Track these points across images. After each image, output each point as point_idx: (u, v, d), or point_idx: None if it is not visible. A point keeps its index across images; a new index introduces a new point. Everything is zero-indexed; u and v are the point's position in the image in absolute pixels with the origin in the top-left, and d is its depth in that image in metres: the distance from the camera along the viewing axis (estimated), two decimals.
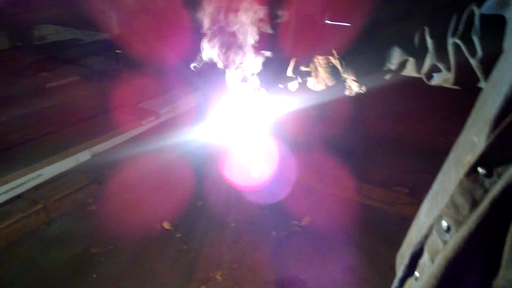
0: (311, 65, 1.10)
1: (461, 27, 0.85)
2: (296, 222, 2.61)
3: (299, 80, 1.12)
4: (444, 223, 0.70)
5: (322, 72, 1.09)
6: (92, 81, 3.50)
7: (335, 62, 1.03)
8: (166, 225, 2.49)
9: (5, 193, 2.44)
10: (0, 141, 2.75)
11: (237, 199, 2.77)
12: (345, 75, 1.05)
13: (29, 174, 2.56)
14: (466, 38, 0.85)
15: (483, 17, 0.84)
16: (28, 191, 2.55)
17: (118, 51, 3.39)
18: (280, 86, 1.15)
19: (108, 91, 3.34)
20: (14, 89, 3.13)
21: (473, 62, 0.85)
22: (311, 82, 1.12)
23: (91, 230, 2.48)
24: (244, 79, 1.06)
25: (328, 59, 1.07)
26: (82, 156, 2.90)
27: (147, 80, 3.60)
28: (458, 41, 0.86)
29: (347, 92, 1.08)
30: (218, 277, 2.15)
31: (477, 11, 0.85)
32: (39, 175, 2.64)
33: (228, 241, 2.43)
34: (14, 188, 2.49)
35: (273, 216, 2.66)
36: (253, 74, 1.07)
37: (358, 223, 2.57)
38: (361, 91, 1.06)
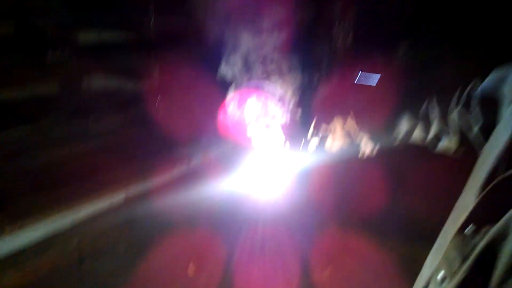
0: (331, 126, 1.22)
1: (463, 99, 0.96)
2: None
3: (319, 138, 1.24)
4: (440, 275, 0.79)
5: (339, 133, 1.21)
6: (133, 127, 3.75)
7: (352, 124, 1.15)
8: (192, 269, 2.56)
9: (43, 229, 2.62)
10: (42, 180, 2.97)
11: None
12: (359, 137, 1.17)
13: (66, 212, 2.75)
14: (469, 108, 0.96)
15: (483, 90, 0.96)
16: (65, 229, 2.72)
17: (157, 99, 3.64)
18: (302, 142, 1.27)
19: (144, 137, 3.58)
20: (59, 131, 3.38)
21: (474, 128, 0.96)
22: (329, 142, 1.23)
23: (122, 269, 2.59)
24: (272, 134, 1.18)
25: (345, 122, 1.19)
26: (117, 198, 3.09)
27: (179, 129, 3.84)
28: (462, 110, 0.97)
29: (360, 154, 1.19)
30: None
31: (479, 85, 0.96)
32: (77, 213, 2.83)
33: None
34: (51, 225, 2.67)
35: None
36: (280, 130, 1.19)
37: None
38: (373, 153, 1.16)
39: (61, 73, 3.44)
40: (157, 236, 2.92)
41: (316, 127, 1.27)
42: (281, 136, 1.28)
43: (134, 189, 3.15)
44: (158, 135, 3.76)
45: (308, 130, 1.28)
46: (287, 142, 1.28)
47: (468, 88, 1.00)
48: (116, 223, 2.88)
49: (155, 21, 3.48)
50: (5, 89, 3.21)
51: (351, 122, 1.24)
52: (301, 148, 1.32)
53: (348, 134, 1.23)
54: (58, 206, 2.76)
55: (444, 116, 1.05)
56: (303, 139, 1.29)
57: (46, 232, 2.61)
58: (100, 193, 2.96)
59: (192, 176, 3.45)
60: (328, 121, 1.28)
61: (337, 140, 1.29)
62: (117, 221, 2.91)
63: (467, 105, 0.99)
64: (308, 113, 1.29)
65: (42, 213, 2.57)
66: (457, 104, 1.02)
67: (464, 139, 1.01)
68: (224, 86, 3.82)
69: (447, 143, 1.08)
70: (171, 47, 3.92)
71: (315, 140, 1.32)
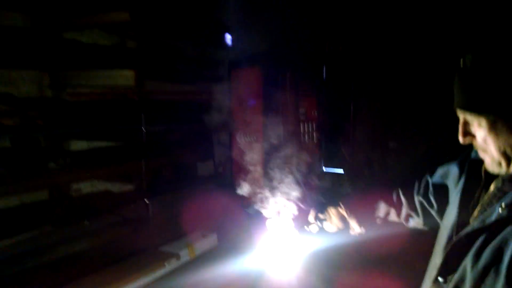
0: (326, 214, 1.55)
1: (421, 190, 1.35)
2: None
3: (319, 224, 1.55)
4: None
5: (334, 218, 1.53)
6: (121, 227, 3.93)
7: (343, 211, 1.48)
8: None
9: None
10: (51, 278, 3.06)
11: None
12: (349, 220, 1.50)
13: None
14: (426, 196, 1.34)
15: (434, 183, 1.35)
16: None
17: (146, 201, 3.89)
18: (306, 228, 1.57)
19: (134, 235, 3.76)
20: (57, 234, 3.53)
21: (432, 211, 1.34)
22: (326, 225, 1.55)
23: None
24: (284, 224, 1.47)
25: (338, 209, 1.53)
26: None
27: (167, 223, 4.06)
28: (421, 199, 1.36)
29: (351, 232, 1.50)
30: None
31: (430, 180, 1.36)
32: None
33: None
34: None
35: None
36: (289, 221, 1.49)
37: None
38: (362, 232, 1.47)
39: (55, 180, 3.69)
40: None
41: (316, 215, 1.60)
42: (290, 221, 1.57)
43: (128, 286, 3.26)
44: (147, 232, 3.95)
45: (310, 218, 1.59)
46: (295, 227, 1.57)
47: (423, 180, 1.39)
48: None
49: (145, 130, 3.87)
50: (4, 198, 3.40)
51: (342, 211, 1.59)
52: (306, 231, 1.62)
53: (341, 219, 1.56)
54: None
55: (410, 203, 1.43)
56: (307, 224, 1.59)
57: None
58: None
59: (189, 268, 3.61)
60: (324, 209, 1.62)
61: (333, 224, 1.62)
62: None
63: (424, 194, 1.38)
64: (309, 204, 1.62)
65: None
66: (417, 193, 1.41)
67: (427, 218, 1.38)
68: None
69: (415, 222, 1.45)
70: (159, 153, 4.29)
71: (316, 225, 1.65)
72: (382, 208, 1.49)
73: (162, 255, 3.68)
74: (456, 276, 1.01)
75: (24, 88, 4.04)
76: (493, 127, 0.94)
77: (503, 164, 0.99)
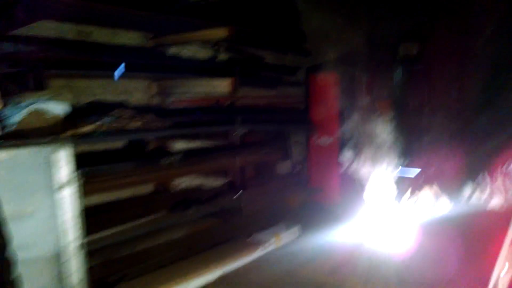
0: (422, 190, 1.88)
1: (504, 171, 1.65)
2: None
3: (414, 199, 1.89)
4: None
5: (429, 195, 1.86)
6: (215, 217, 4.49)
7: (435, 190, 1.80)
8: None
9: None
10: (158, 260, 3.67)
11: None
12: (440, 197, 1.81)
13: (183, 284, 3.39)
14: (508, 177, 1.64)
15: None
16: None
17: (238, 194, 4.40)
18: (404, 201, 1.90)
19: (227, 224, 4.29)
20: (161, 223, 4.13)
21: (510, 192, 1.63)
22: (422, 200, 1.87)
23: None
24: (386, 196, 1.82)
25: (432, 187, 1.85)
26: (216, 273, 3.71)
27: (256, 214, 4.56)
28: (503, 180, 1.66)
29: (441, 206, 1.80)
30: None
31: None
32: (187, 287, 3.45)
33: None
34: None
35: None
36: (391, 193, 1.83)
37: None
38: (450, 206, 1.77)
39: (160, 176, 4.30)
40: None
41: (413, 190, 1.94)
42: (387, 196, 1.90)
43: (228, 266, 3.78)
44: (239, 222, 4.47)
45: (407, 193, 1.91)
46: (392, 201, 1.89)
47: (505, 165, 1.69)
48: None
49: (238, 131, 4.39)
50: (114, 191, 4.07)
51: (436, 188, 1.91)
52: (402, 205, 1.95)
53: (434, 196, 1.88)
54: (172, 281, 3.40)
55: (492, 184, 1.73)
56: (403, 199, 1.91)
57: None
58: (202, 272, 3.60)
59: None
60: (421, 186, 1.95)
61: (426, 200, 1.95)
62: None
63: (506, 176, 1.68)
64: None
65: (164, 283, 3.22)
66: (500, 175, 1.71)
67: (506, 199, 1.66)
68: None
69: (496, 201, 1.74)
70: (248, 152, 4.81)
71: (412, 200, 1.98)
72: (468, 189, 1.79)
73: (255, 242, 4.16)
74: None
75: (137, 96, 4.75)
76: None
77: None
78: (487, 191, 1.73)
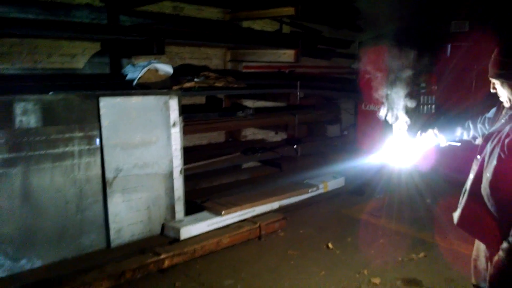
0: (428, 133, 2.69)
1: (481, 121, 2.44)
2: None
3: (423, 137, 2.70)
4: None
5: (432, 136, 2.65)
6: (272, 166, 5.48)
7: (436, 132, 2.60)
8: (330, 245, 4.04)
9: (240, 216, 4.29)
10: (229, 193, 4.71)
11: None
12: (439, 137, 2.60)
13: (249, 209, 4.41)
14: (483, 124, 2.43)
15: (488, 117, 2.43)
16: (249, 218, 4.36)
17: (295, 146, 5.33)
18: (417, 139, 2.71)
19: (286, 170, 5.27)
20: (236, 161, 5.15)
21: (486, 131, 2.43)
22: (428, 139, 2.68)
23: (280, 246, 4.11)
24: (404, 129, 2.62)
25: (434, 131, 2.64)
26: (275, 205, 4.72)
27: (309, 164, 5.51)
28: (481, 125, 2.45)
29: (441, 144, 2.59)
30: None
31: (486, 116, 2.44)
32: (254, 210, 4.48)
33: None
34: (244, 214, 4.33)
35: None
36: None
37: None
38: (446, 144, 2.54)
39: (236, 124, 5.30)
40: (302, 229, 4.43)
41: (421, 133, 2.75)
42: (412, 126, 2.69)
43: (284, 201, 4.78)
44: (295, 169, 5.43)
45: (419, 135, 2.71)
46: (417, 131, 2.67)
47: (482, 117, 2.48)
48: (275, 219, 4.45)
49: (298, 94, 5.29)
50: (203, 132, 5.12)
51: (436, 131, 2.73)
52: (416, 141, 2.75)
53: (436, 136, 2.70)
54: (244, 204, 4.44)
55: (475, 128, 2.54)
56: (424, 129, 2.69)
57: (241, 217, 4.28)
58: (266, 201, 4.61)
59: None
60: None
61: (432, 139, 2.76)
62: (275, 217, 4.48)
63: (482, 123, 2.49)
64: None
65: (237, 206, 4.26)
66: (479, 123, 2.51)
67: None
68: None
69: (478, 140, 2.54)
70: (306, 110, 5.72)
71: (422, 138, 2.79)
72: (458, 131, 2.62)
73: (307, 185, 5.12)
74: (483, 153, 2.09)
75: (215, 61, 5.75)
76: (502, 85, 2.00)
77: (509, 103, 2.05)
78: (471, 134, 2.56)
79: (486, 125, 2.46)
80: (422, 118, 2.79)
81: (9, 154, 2.96)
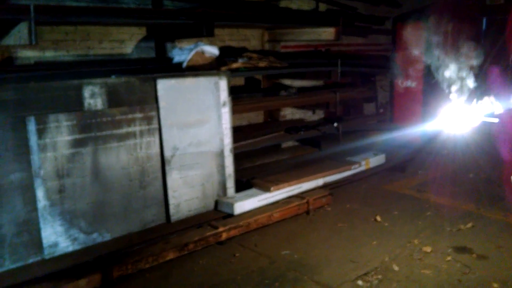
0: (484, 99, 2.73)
1: None
2: None
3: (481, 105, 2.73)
4: None
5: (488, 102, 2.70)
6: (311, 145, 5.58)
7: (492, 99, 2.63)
8: (378, 218, 4.15)
9: (287, 192, 4.43)
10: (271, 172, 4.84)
11: None
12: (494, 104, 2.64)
13: (296, 185, 4.55)
14: None
15: None
16: (297, 194, 4.51)
17: (335, 124, 5.41)
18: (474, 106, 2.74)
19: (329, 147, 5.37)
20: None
21: None
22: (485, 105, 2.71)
23: (329, 219, 4.25)
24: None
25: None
26: (320, 181, 4.83)
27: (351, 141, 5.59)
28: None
29: (496, 111, 2.63)
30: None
31: None
32: (300, 187, 4.61)
33: None
34: (291, 191, 4.47)
35: None
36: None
37: None
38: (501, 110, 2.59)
39: (278, 104, 5.39)
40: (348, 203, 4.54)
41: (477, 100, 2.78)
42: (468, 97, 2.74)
43: (328, 177, 4.88)
44: (337, 146, 5.51)
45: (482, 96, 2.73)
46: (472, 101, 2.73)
47: None
48: (322, 194, 4.57)
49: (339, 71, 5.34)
50: (249, 111, 5.24)
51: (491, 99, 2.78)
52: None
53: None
54: (291, 181, 4.57)
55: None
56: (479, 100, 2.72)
57: (289, 193, 4.42)
58: (311, 178, 4.72)
59: None
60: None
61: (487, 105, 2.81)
62: (322, 193, 4.60)
63: None
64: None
65: (285, 183, 4.40)
66: None
67: None
68: None
69: None
70: (346, 88, 5.77)
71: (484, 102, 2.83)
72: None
73: (349, 162, 5.21)
74: None
75: (253, 42, 5.84)
76: None
77: None
78: None
79: None
80: (479, 87, 2.84)
81: (80, 134, 3.16)
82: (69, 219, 3.17)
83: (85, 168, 3.21)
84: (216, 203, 4.06)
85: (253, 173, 4.86)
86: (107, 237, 3.39)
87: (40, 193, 3.04)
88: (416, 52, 6.62)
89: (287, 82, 5.96)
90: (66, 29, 4.19)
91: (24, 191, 2.98)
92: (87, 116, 3.19)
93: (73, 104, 3.12)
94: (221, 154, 4.05)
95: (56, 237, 3.13)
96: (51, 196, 3.08)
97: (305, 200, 4.35)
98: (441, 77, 6.36)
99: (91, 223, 3.28)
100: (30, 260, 3.05)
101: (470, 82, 2.91)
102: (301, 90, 5.56)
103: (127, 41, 4.66)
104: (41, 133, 3.01)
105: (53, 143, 3.06)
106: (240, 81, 5.73)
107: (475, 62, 3.78)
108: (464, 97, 2.93)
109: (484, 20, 6.99)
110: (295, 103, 5.42)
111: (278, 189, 4.34)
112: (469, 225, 3.96)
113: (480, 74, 4.91)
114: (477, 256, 3.37)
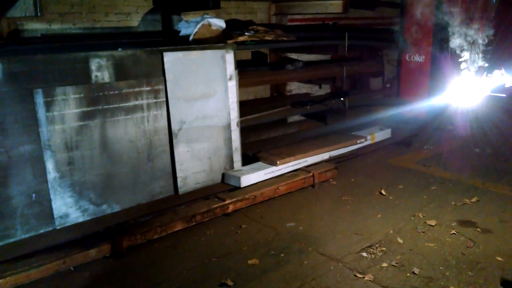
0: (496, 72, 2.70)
1: None
2: None
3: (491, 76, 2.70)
4: None
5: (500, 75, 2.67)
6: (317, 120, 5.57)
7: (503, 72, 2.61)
8: (383, 191, 4.19)
9: (293, 166, 4.46)
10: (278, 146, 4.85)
11: None
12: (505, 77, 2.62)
13: (301, 159, 4.57)
14: None
15: None
16: (302, 168, 4.54)
17: (342, 98, 5.39)
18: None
19: (335, 121, 5.36)
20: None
21: None
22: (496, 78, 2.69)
23: (334, 192, 4.29)
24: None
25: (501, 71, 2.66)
26: (325, 155, 4.85)
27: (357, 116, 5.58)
28: None
29: (507, 84, 2.60)
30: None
31: None
32: (306, 161, 4.64)
33: None
34: (297, 164, 4.50)
35: None
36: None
37: None
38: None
39: (286, 77, 5.37)
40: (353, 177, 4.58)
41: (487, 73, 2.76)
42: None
43: (334, 152, 4.90)
44: (344, 121, 5.50)
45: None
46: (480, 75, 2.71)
47: None
48: (327, 168, 4.59)
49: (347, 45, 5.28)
50: (256, 85, 5.22)
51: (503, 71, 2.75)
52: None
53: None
54: (296, 154, 4.59)
55: None
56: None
57: (294, 167, 4.45)
58: (317, 152, 4.74)
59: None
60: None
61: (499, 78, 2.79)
62: (327, 166, 4.63)
63: None
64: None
65: (290, 157, 4.42)
66: None
67: None
68: None
69: None
70: (353, 62, 5.71)
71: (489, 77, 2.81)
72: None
73: (355, 136, 5.21)
74: None
75: (259, 16, 5.77)
76: None
77: None
78: None
79: None
80: (489, 59, 2.81)
81: (88, 107, 3.18)
82: (79, 190, 3.23)
83: (93, 140, 3.24)
84: (223, 176, 4.11)
85: (260, 147, 4.87)
86: (117, 208, 3.45)
87: (49, 165, 3.08)
88: (424, 25, 6.52)
89: (294, 56, 5.92)
90: (72, 1, 4.17)
91: (34, 163, 3.03)
92: (94, 89, 3.20)
93: (80, 77, 3.13)
94: (228, 128, 4.06)
95: (67, 208, 3.19)
96: (60, 168, 3.13)
97: (310, 174, 4.38)
98: (450, 51, 6.29)
99: (100, 194, 3.34)
100: (42, 231, 3.12)
101: (480, 56, 2.87)
102: (308, 64, 5.51)
103: (133, 14, 4.63)
104: (49, 105, 3.03)
105: (61, 115, 3.09)
106: (247, 55, 5.69)
107: (485, 35, 3.74)
108: (473, 71, 2.89)
109: None
110: (301, 77, 5.39)
111: (284, 163, 4.37)
112: (474, 199, 3.98)
113: (490, 47, 4.85)
114: (481, 230, 3.41)
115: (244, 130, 4.57)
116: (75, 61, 3.11)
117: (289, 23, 5.78)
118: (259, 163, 4.36)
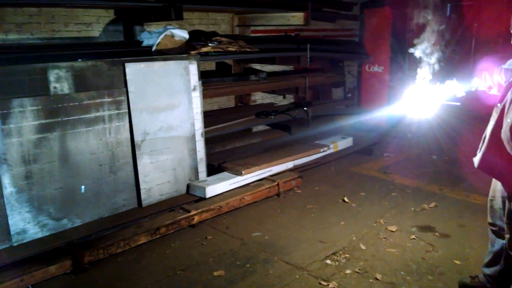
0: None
1: (497, 71, 2.61)
2: None
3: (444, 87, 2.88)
4: None
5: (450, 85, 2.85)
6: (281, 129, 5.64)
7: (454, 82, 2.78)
8: (346, 199, 4.28)
9: (258, 175, 4.49)
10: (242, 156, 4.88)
11: None
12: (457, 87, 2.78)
13: (266, 169, 4.61)
14: (500, 74, 2.61)
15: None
16: (267, 177, 4.57)
17: (305, 108, 5.49)
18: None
19: (298, 131, 5.45)
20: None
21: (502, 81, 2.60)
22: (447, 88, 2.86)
23: (299, 201, 4.35)
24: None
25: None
26: (289, 164, 4.92)
27: (319, 125, 5.69)
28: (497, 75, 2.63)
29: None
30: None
31: (502, 66, 2.61)
32: (271, 170, 4.68)
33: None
34: (262, 174, 4.54)
35: None
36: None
37: None
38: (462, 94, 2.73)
39: (249, 88, 5.41)
40: (317, 186, 4.66)
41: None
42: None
43: (298, 160, 4.97)
44: (307, 130, 5.60)
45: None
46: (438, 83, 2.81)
47: (500, 66, 2.64)
48: (292, 177, 4.66)
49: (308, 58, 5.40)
50: (220, 96, 5.23)
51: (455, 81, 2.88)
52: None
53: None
54: (261, 164, 4.63)
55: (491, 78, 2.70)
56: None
57: (259, 176, 4.48)
58: (282, 161, 4.80)
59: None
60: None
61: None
62: (292, 175, 4.69)
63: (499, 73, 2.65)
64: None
65: (255, 166, 4.46)
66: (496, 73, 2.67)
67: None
68: None
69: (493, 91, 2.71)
70: (315, 73, 5.83)
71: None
72: (476, 82, 2.77)
73: (318, 145, 5.32)
74: (503, 101, 2.26)
75: (223, 27, 5.80)
76: None
77: None
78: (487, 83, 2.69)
79: (503, 75, 2.61)
80: (442, 69, 2.95)
81: (46, 119, 3.10)
82: (38, 205, 3.12)
83: (53, 153, 3.15)
84: (188, 187, 4.08)
85: (225, 157, 4.88)
86: (78, 222, 3.36)
87: (6, 180, 2.97)
88: (382, 36, 6.77)
89: (258, 66, 5.98)
90: (29, 11, 4.05)
91: None
92: (53, 101, 3.12)
93: (38, 89, 3.04)
94: (192, 139, 4.05)
95: (24, 224, 3.08)
96: (17, 182, 3.02)
97: (275, 183, 4.42)
98: (406, 61, 6.55)
99: (60, 209, 3.24)
100: None
101: (434, 66, 3.01)
102: (272, 74, 5.59)
103: (94, 24, 4.55)
104: (5, 118, 2.93)
105: (18, 128, 2.99)
106: (211, 65, 5.71)
107: (439, 46, 3.94)
108: (427, 81, 3.02)
109: (448, 6, 7.18)
110: (265, 88, 5.45)
111: (249, 172, 4.40)
112: (433, 205, 4.14)
113: (444, 58, 5.06)
114: (440, 235, 3.54)
115: (209, 141, 4.57)
116: (33, 72, 3.03)
117: (252, 34, 5.85)
118: (225, 173, 4.37)
